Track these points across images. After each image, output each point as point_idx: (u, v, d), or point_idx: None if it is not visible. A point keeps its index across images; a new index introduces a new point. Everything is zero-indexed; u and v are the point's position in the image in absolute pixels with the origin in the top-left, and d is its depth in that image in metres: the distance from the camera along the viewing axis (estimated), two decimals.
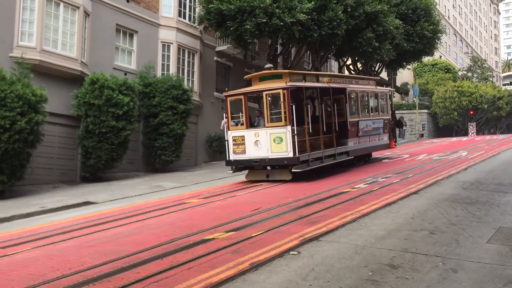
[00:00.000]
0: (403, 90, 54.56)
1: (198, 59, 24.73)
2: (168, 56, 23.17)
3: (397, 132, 43.31)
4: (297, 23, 21.13)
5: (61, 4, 17.82)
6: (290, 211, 9.16)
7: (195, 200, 12.10)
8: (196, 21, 23.99)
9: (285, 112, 13.86)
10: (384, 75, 44.53)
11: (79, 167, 18.59)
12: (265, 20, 20.47)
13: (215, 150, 25.71)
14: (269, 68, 15.93)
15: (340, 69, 34.55)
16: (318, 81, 16.23)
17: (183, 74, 23.56)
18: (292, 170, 13.85)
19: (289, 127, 13.82)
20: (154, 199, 13.32)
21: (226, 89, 15.91)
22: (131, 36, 21.87)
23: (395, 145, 22.02)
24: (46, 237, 8.70)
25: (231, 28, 21.31)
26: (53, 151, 17.79)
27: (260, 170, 14.79)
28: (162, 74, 22.37)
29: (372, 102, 19.57)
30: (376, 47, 26.11)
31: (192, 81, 24.22)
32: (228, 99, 15.33)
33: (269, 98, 14.43)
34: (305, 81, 15.41)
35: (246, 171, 15.53)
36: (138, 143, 20.95)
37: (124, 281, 5.39)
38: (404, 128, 43.42)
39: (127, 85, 18.40)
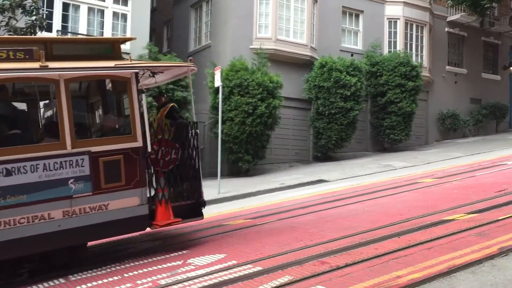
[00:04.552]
0: None
1: (427, 32, 23.37)
2: (395, 33, 22.50)
3: None
4: None
5: None
6: None
7: (428, 179, 11.59)
8: None
9: None
10: None
11: (311, 147, 19.71)
12: None
13: (448, 127, 24.10)
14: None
15: None
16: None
17: (411, 49, 22.60)
18: None
19: None
20: (384, 178, 13.27)
21: None
22: (357, 16, 21.92)
23: (175, 219, 6.90)
24: (288, 210, 9.53)
25: None
26: (288, 133, 19.23)
27: None
28: (389, 51, 21.87)
29: None
30: None
31: (421, 56, 23.04)
32: None
33: None
34: None
35: None
36: (365, 122, 21.06)
37: (362, 255, 5.55)
38: None
39: (354, 66, 18.66)
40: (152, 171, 6.98)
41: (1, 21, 11.26)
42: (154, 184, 6.99)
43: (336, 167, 16.75)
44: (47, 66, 6.05)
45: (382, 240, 6.21)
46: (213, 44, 19.40)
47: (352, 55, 20.57)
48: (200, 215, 7.32)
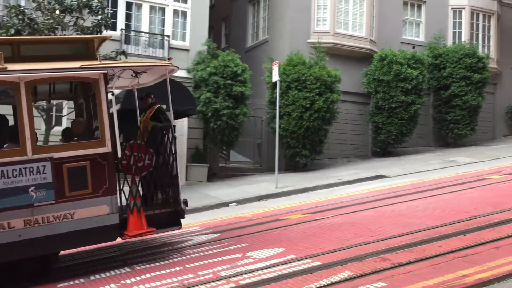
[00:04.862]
0: None
1: (495, 22, 22.22)
2: (460, 23, 21.56)
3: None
4: None
5: None
6: None
7: (496, 176, 11.06)
8: None
9: None
10: None
11: (370, 142, 19.34)
12: None
13: None
14: None
15: None
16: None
17: (476, 40, 21.59)
18: None
19: None
20: (448, 174, 12.78)
21: None
22: (419, 7, 21.22)
23: (148, 229, 6.44)
24: (346, 206, 9.41)
25: None
26: (346, 128, 18.97)
27: None
28: (453, 42, 21.01)
29: None
30: None
31: (488, 47, 21.96)
32: None
33: None
34: None
35: None
36: (428, 117, 20.35)
37: (426, 253, 5.39)
38: None
39: (415, 58, 18.12)
40: (124, 178, 6.48)
41: (69, 21, 11.82)
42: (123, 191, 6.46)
43: (396, 162, 16.34)
44: (6, 68, 5.72)
45: (447, 238, 5.99)
46: (270, 39, 19.42)
47: (413, 47, 19.95)
48: (177, 224, 6.81)
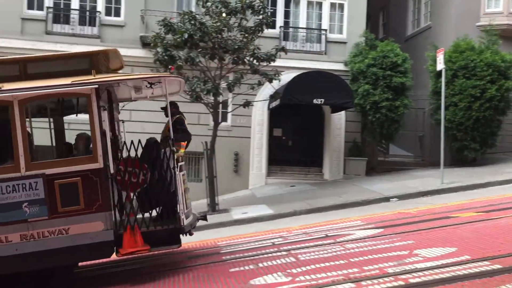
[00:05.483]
0: None
1: None
2: None
3: None
4: None
5: None
6: None
7: None
8: None
9: None
10: None
11: None
12: None
13: None
14: None
15: None
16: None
17: None
18: None
19: None
20: None
21: None
22: None
23: (146, 247, 6.20)
24: None
25: None
26: None
27: None
28: None
29: None
30: None
31: None
32: None
33: None
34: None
35: None
36: None
37: None
38: None
39: None
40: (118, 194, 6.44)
41: (234, 22, 12.55)
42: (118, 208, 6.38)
43: None
44: (1, 87, 5.95)
45: None
46: (433, 25, 18.27)
47: None
48: (176, 242, 6.49)
